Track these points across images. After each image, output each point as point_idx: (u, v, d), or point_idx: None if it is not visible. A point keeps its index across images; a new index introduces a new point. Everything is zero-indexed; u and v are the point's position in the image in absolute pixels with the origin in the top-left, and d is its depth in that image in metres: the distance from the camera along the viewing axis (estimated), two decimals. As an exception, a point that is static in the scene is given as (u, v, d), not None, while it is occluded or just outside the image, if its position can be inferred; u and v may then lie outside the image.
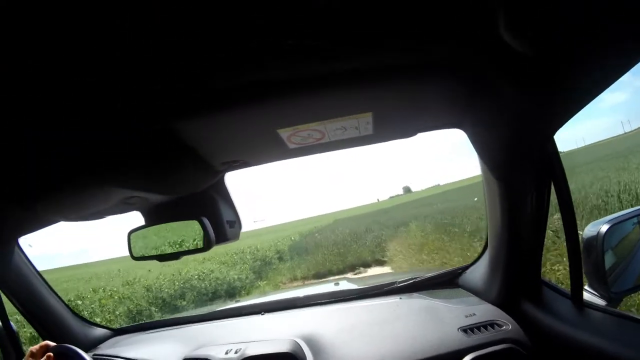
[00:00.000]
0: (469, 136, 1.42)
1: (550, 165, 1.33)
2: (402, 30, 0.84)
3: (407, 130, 1.40)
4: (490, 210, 1.59)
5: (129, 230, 1.40)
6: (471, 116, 1.29)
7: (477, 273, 1.94)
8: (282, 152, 1.33)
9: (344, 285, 2.21)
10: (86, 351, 1.58)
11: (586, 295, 1.43)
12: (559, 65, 0.90)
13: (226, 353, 1.49)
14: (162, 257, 1.37)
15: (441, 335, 1.60)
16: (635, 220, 1.59)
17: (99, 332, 2.06)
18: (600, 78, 0.96)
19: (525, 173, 1.37)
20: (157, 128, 1.00)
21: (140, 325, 2.06)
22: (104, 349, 1.84)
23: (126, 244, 1.41)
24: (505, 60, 0.91)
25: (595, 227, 1.41)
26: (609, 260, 1.47)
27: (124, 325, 2.10)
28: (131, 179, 1.11)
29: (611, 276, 1.45)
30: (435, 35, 0.87)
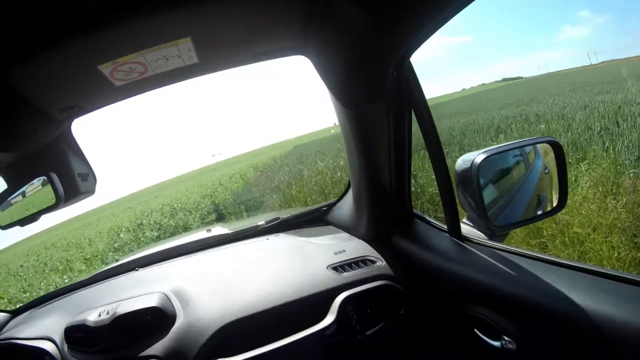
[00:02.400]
0: (313, 63, 1.36)
1: (409, 91, 1.29)
2: None
3: (240, 56, 1.32)
4: (346, 142, 1.55)
5: None
6: (313, 38, 1.23)
7: (345, 209, 1.93)
8: (111, 91, 1.24)
9: (216, 231, 2.17)
10: None
11: (467, 230, 1.43)
12: None
13: (99, 315, 1.46)
14: (22, 221, 1.35)
15: (310, 275, 1.57)
16: (517, 152, 1.59)
17: None
18: None
19: (379, 101, 1.33)
20: None
21: (34, 302, 1.99)
22: (4, 335, 1.75)
23: None
24: None
25: (469, 158, 1.38)
26: (490, 193, 1.48)
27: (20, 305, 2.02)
28: None
29: (493, 210, 1.45)
30: None
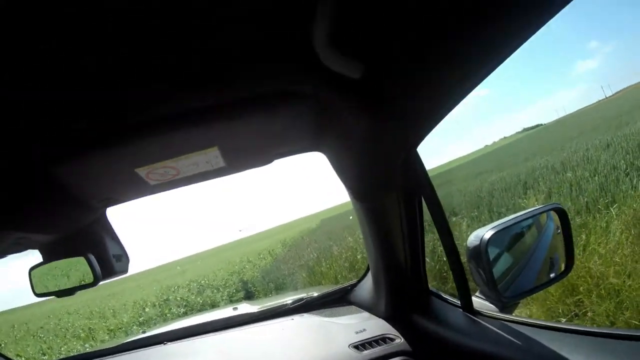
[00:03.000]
0: (327, 159, 1.47)
1: (416, 179, 1.39)
2: (232, 71, 0.91)
3: (262, 158, 1.46)
4: (362, 228, 1.65)
5: (29, 268, 1.44)
6: (327, 139, 1.35)
7: (365, 289, 1.99)
8: (145, 189, 1.39)
9: (243, 309, 2.24)
10: None
11: (480, 303, 1.48)
12: (389, 85, 0.96)
13: None
14: (60, 293, 1.43)
15: (332, 354, 1.63)
16: (523, 225, 1.66)
17: None
18: (455, 88, 1.02)
19: (390, 190, 1.42)
20: (27, 169, 1.05)
21: None
22: None
23: (28, 281, 1.45)
24: (336, 85, 0.97)
25: (480, 234, 1.45)
26: (504, 262, 1.56)
27: None
28: (11, 221, 1.18)
29: (503, 282, 1.51)
30: (267, 71, 0.95)
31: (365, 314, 1.92)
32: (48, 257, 1.43)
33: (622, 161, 9.13)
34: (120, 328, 15.20)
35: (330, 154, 1.44)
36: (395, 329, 1.73)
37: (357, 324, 1.79)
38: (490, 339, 1.29)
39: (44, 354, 13.07)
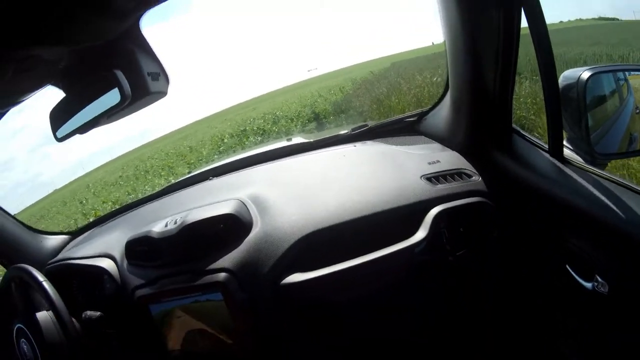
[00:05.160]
0: None
1: None
2: None
3: None
4: (449, 42, 1.41)
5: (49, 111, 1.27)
6: None
7: (440, 117, 1.76)
8: None
9: (298, 140, 2.04)
10: (44, 263, 1.61)
11: (567, 153, 1.31)
12: None
13: (165, 226, 1.39)
14: (82, 128, 1.24)
15: (402, 185, 1.44)
16: (620, 75, 1.47)
17: (56, 240, 1.98)
18: None
19: None
20: None
21: (96, 220, 2.00)
22: (61, 256, 1.75)
23: (49, 126, 1.27)
24: None
25: (573, 75, 1.27)
26: (592, 118, 1.37)
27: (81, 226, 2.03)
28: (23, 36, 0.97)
29: (593, 135, 1.34)
30: None
31: (438, 145, 1.71)
32: (68, 87, 1.25)
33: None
34: (200, 160, 16.29)
35: None
36: (473, 164, 1.54)
37: (429, 155, 1.60)
38: (582, 192, 1.14)
39: (129, 194, 14.30)
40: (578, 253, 1.17)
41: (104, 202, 14.78)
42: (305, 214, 1.37)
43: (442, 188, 1.43)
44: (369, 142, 1.82)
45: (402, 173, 1.50)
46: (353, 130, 1.93)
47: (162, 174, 16.57)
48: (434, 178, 1.46)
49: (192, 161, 16.90)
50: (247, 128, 20.20)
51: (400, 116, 1.98)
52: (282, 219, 1.36)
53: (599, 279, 1.08)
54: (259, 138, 16.29)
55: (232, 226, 1.35)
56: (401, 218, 1.36)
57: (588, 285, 1.12)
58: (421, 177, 1.46)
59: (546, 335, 1.47)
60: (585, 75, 1.26)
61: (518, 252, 1.47)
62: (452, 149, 1.62)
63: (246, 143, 15.99)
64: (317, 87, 35.02)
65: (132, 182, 17.64)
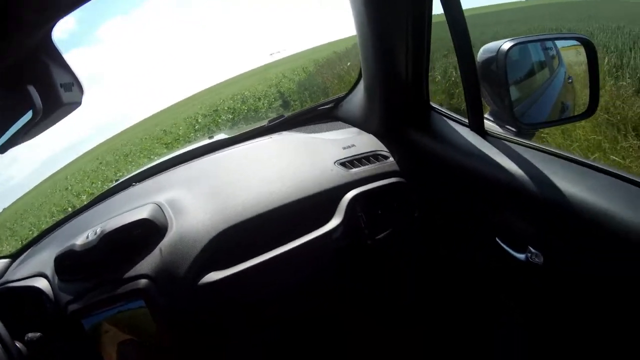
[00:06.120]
0: None
1: None
2: None
3: None
4: (357, 27, 1.37)
5: None
6: None
7: (355, 102, 1.73)
8: None
9: (219, 137, 1.96)
10: None
11: (490, 126, 1.28)
12: None
13: (87, 237, 1.33)
14: (1, 148, 1.09)
15: (316, 172, 1.42)
16: (550, 45, 1.45)
17: None
18: None
19: None
20: None
21: (32, 240, 1.87)
22: (2, 280, 1.62)
23: None
24: None
25: (494, 47, 1.22)
26: (517, 89, 1.33)
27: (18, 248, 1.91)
28: None
29: (519, 106, 1.30)
30: None
31: (355, 130, 1.70)
32: None
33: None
34: (177, 139, 16.43)
35: None
36: (389, 145, 1.53)
37: (345, 139, 1.58)
38: (505, 164, 1.10)
39: (116, 178, 14.04)
40: (507, 225, 1.14)
41: (92, 183, 14.84)
42: (219, 211, 1.33)
43: (356, 172, 1.41)
44: (284, 133, 1.79)
45: (316, 160, 1.47)
46: (270, 122, 1.89)
47: (140, 156, 16.58)
48: (348, 162, 1.45)
49: (169, 141, 16.95)
50: (219, 108, 20.39)
51: (317, 103, 1.95)
52: (196, 220, 1.32)
53: (532, 250, 1.05)
54: (230, 116, 16.58)
55: (149, 231, 1.31)
56: (317, 205, 1.34)
57: (521, 256, 1.08)
58: (335, 162, 1.45)
59: (488, 311, 1.44)
60: (506, 46, 1.20)
61: (446, 229, 1.44)
62: (368, 132, 1.59)
63: (219, 121, 16.32)
64: (282, 68, 35.00)
65: (113, 167, 17.53)
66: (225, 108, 19.42)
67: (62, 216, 1.85)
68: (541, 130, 3.14)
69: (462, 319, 1.54)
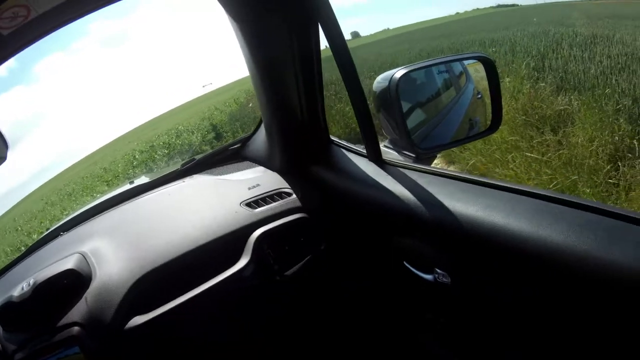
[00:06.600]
0: None
1: (313, 3, 1.12)
2: None
3: None
4: (251, 73, 1.39)
5: None
6: None
7: (259, 142, 1.78)
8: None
9: (139, 181, 2.00)
10: None
11: (389, 154, 1.31)
12: None
13: (22, 289, 1.31)
14: None
15: (224, 213, 1.46)
16: (445, 76, 1.47)
17: None
18: None
19: (282, 16, 1.17)
20: None
21: None
22: None
23: None
24: None
25: (387, 76, 1.23)
26: (416, 117, 1.36)
27: None
28: None
29: (418, 133, 1.33)
30: None
31: (261, 168, 1.74)
32: None
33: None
34: (117, 176, 16.16)
35: None
36: (292, 182, 1.57)
37: (251, 179, 1.63)
38: (402, 191, 1.14)
39: (62, 216, 13.87)
40: (412, 249, 1.15)
41: (41, 222, 14.60)
42: (137, 258, 1.35)
43: (261, 211, 1.45)
44: (195, 176, 1.82)
45: (223, 203, 1.51)
46: (183, 165, 1.92)
47: (83, 194, 16.29)
48: (253, 202, 1.49)
49: (109, 179, 16.62)
50: (155, 144, 20.17)
51: (225, 145, 1.99)
52: (117, 267, 1.33)
53: (439, 271, 1.05)
54: (166, 151, 16.54)
55: (75, 280, 1.31)
56: (227, 246, 1.36)
57: (429, 277, 1.09)
58: (241, 203, 1.49)
59: (406, 330, 1.46)
60: (398, 74, 1.21)
61: (354, 258, 1.47)
62: (273, 170, 1.62)
63: (156, 157, 16.18)
64: (213, 101, 35.02)
65: (59, 205, 17.11)
66: (161, 143, 19.30)
67: (17, 255, 1.85)
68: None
69: (384, 343, 1.56)
